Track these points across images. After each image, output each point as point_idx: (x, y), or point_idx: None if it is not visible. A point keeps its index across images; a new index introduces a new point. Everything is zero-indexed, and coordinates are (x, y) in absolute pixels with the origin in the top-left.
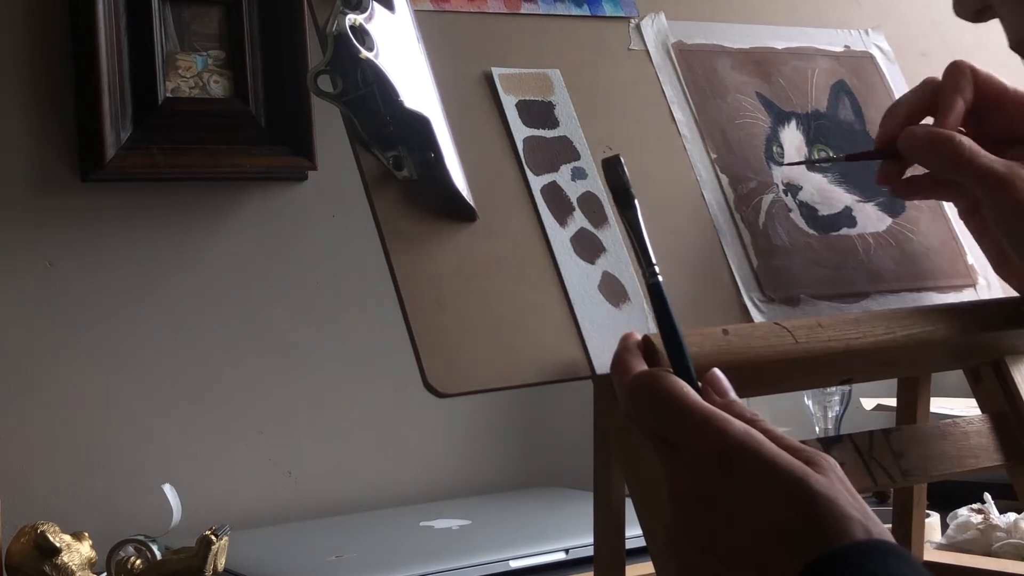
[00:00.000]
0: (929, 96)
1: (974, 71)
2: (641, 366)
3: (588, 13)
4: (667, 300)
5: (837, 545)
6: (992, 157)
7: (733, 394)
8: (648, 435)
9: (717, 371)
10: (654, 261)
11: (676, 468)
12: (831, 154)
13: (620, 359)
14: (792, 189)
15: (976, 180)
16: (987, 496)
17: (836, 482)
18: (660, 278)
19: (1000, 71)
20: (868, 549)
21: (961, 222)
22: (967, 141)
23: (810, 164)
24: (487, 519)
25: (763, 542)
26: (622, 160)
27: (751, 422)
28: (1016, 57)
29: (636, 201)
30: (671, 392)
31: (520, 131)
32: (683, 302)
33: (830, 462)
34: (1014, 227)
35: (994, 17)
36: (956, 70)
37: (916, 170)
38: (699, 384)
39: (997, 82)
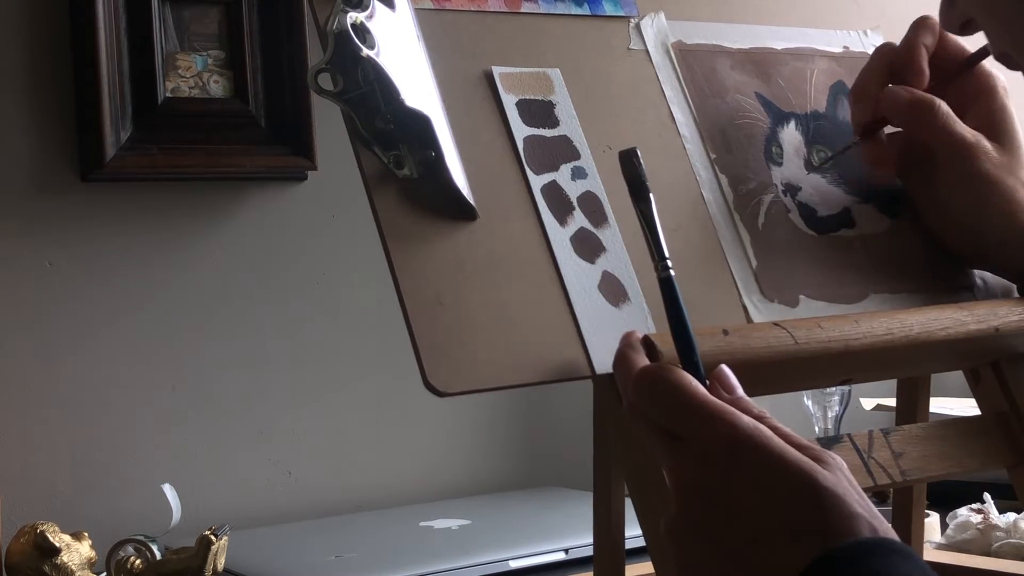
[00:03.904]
0: (887, 62)
1: (942, 31)
2: (645, 362)
3: (588, 12)
4: (679, 294)
5: (843, 542)
6: (963, 126)
7: (741, 391)
8: (652, 429)
9: (725, 367)
10: (667, 255)
11: (682, 461)
12: (830, 155)
13: (624, 355)
14: (791, 190)
15: (947, 146)
16: (987, 496)
17: (843, 480)
18: (672, 272)
19: (1001, 71)
20: (874, 547)
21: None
22: (945, 107)
23: (817, 168)
24: (487, 519)
25: (768, 537)
26: (639, 152)
27: (759, 418)
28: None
29: (651, 194)
30: (680, 385)
31: (520, 130)
32: (683, 301)
33: (837, 461)
34: (968, 195)
35: (979, 30)
36: (920, 23)
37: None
38: (706, 380)
39: (959, 47)
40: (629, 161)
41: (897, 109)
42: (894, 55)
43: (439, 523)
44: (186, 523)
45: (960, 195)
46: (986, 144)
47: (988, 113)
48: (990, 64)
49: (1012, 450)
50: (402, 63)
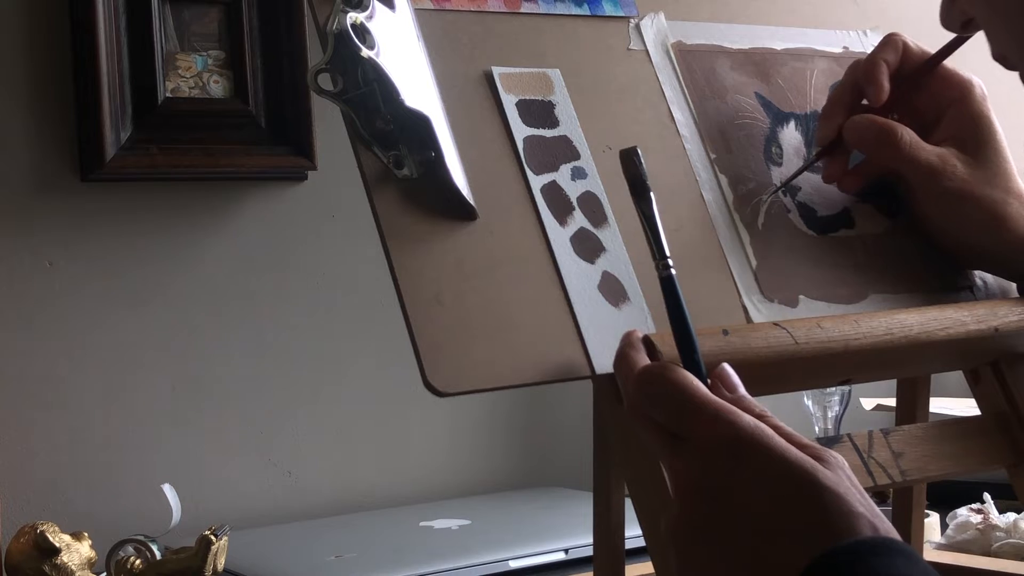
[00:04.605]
0: (853, 80)
1: (905, 43)
2: (646, 362)
3: (588, 13)
4: (680, 293)
5: (844, 541)
6: (928, 148)
7: (743, 390)
8: (653, 428)
9: (727, 366)
10: (668, 254)
11: (683, 460)
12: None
13: (624, 355)
14: (791, 190)
15: (913, 170)
16: (987, 496)
17: (844, 479)
18: (673, 271)
19: (997, 72)
20: (875, 546)
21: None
22: (908, 133)
23: (780, 189)
24: (487, 519)
25: (769, 535)
26: (639, 151)
27: (760, 417)
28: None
29: (652, 193)
30: (681, 384)
31: (520, 130)
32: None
33: (839, 460)
34: (943, 213)
35: (979, 29)
36: (884, 40)
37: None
38: (707, 379)
39: (925, 54)
40: (630, 160)
41: (860, 138)
42: (859, 71)
43: (439, 523)
44: (186, 523)
45: (936, 213)
46: (954, 162)
47: (961, 121)
48: (968, 69)
49: (1012, 450)
50: (402, 63)
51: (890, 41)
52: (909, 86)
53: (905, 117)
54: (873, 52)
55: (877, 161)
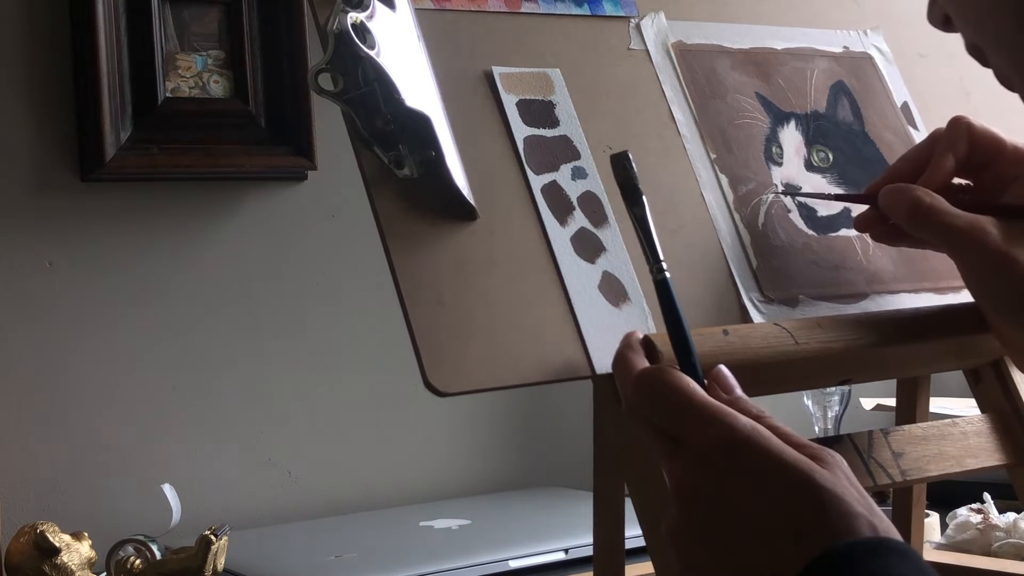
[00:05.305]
0: (929, 149)
1: (970, 127)
2: (644, 364)
3: (588, 13)
4: (674, 297)
5: (842, 542)
6: (956, 213)
7: (739, 391)
8: (651, 431)
9: (723, 368)
10: (662, 257)
11: (681, 463)
12: (830, 155)
13: (623, 356)
14: (791, 190)
15: (937, 236)
16: (987, 496)
17: (842, 478)
18: (668, 274)
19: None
20: (873, 547)
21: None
22: (928, 198)
23: (793, 196)
24: (487, 519)
25: (767, 537)
26: (630, 156)
27: (757, 418)
28: None
29: (644, 197)
30: (678, 387)
31: (520, 130)
32: (682, 302)
33: (836, 459)
34: (979, 283)
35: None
36: (952, 125)
37: None
38: (704, 381)
39: (993, 136)
40: (621, 164)
41: (886, 204)
42: (925, 154)
43: (439, 523)
44: (186, 523)
45: (969, 284)
46: (989, 229)
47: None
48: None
49: (1012, 450)
50: (402, 63)
51: (956, 126)
52: (976, 167)
53: (976, 191)
54: (941, 146)
55: (910, 232)
